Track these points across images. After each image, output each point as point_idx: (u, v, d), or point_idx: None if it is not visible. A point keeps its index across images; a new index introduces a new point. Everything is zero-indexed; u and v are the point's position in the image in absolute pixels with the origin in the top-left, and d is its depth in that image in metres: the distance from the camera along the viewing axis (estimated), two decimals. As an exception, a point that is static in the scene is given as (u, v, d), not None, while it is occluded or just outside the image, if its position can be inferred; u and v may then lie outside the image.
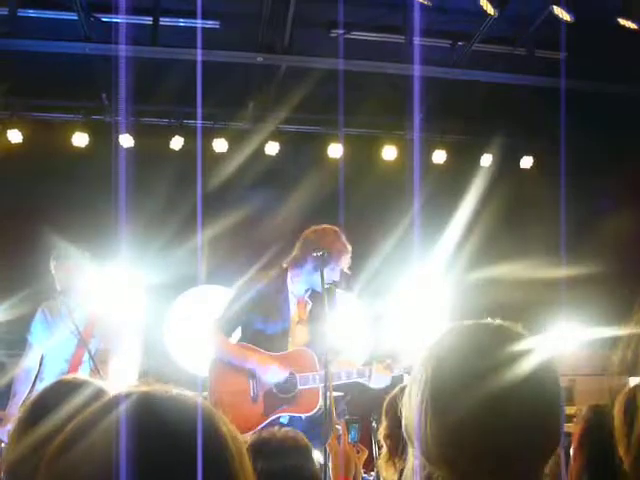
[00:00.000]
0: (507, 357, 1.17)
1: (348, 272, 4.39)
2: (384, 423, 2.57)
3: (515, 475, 1.15)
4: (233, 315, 4.32)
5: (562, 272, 6.86)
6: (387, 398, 2.64)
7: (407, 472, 1.27)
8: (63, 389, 1.74)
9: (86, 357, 4.62)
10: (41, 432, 1.57)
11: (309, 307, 4.26)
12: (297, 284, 4.35)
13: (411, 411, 1.21)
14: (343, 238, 4.35)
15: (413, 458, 1.23)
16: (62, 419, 1.56)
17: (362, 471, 2.92)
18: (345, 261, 4.31)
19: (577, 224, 7.50)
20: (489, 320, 1.28)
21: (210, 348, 4.38)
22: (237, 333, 4.43)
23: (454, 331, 1.26)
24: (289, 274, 4.35)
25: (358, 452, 2.85)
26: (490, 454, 1.14)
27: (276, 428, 2.40)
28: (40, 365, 4.64)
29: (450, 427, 1.15)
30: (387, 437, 2.49)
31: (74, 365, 4.58)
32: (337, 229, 4.40)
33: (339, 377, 4.13)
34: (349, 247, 4.36)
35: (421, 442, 1.18)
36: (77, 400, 1.65)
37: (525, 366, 1.16)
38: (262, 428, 3.91)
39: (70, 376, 1.86)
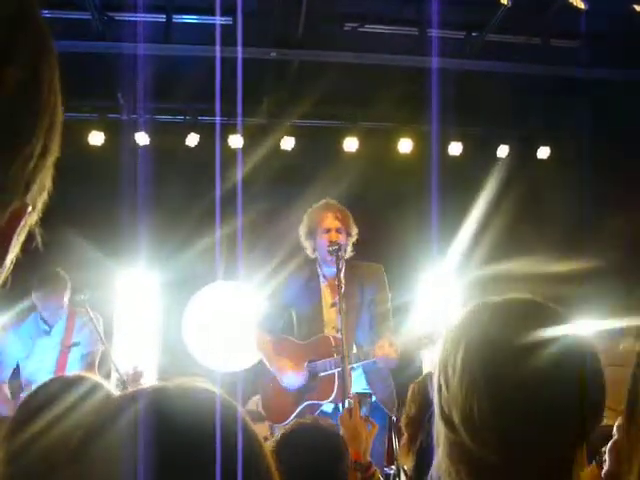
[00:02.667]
0: (543, 334, 1.15)
1: (355, 237, 4.42)
2: (408, 410, 2.51)
3: (555, 452, 1.14)
4: (270, 310, 4.57)
5: (579, 264, 6.82)
6: (412, 385, 2.58)
7: (440, 456, 1.24)
8: (56, 385, 1.75)
9: (70, 366, 4.69)
10: (35, 426, 1.57)
11: (342, 289, 4.21)
12: (324, 267, 4.44)
13: (448, 392, 1.19)
14: (317, 205, 4.44)
15: (446, 440, 1.21)
16: (57, 413, 1.57)
17: (371, 445, 2.89)
18: (326, 220, 4.33)
19: (595, 215, 7.44)
20: (519, 295, 1.26)
21: (253, 345, 4.64)
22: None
23: (484, 308, 1.24)
24: (317, 260, 4.50)
25: (369, 426, 2.86)
26: (532, 430, 1.13)
27: (312, 420, 2.42)
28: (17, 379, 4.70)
29: (493, 408, 1.14)
30: (408, 425, 2.43)
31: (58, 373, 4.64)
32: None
33: (337, 365, 4.13)
34: (324, 206, 4.42)
35: (464, 422, 1.16)
36: (72, 395, 1.66)
37: (563, 343, 1.15)
38: (295, 416, 4.19)
39: (64, 375, 1.87)
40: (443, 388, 1.20)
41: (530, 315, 1.21)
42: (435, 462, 1.23)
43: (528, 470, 1.15)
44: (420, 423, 2.37)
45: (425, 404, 2.36)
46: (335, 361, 4.12)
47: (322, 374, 4.21)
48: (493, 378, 1.14)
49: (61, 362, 4.71)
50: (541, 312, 1.22)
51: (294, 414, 4.22)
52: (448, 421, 1.19)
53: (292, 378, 4.26)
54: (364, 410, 2.97)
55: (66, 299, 4.69)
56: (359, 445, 2.71)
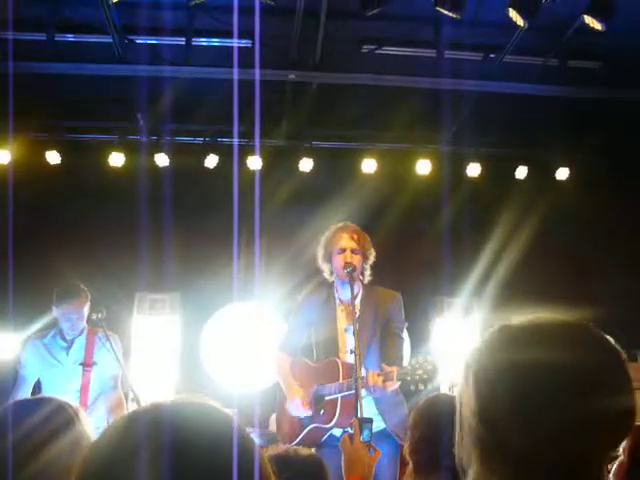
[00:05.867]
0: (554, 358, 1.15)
1: (372, 259, 4.36)
2: (410, 438, 2.41)
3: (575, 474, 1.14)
4: (289, 333, 4.54)
5: (602, 285, 6.76)
6: (413, 412, 2.47)
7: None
8: (22, 407, 1.75)
9: (93, 385, 4.73)
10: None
11: (357, 315, 4.16)
12: (340, 290, 4.40)
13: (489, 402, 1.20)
14: (334, 226, 4.41)
15: (483, 445, 1.21)
16: (22, 434, 1.58)
17: (375, 471, 2.84)
18: (341, 240, 4.29)
19: (615, 235, 7.39)
20: (538, 316, 1.26)
21: (270, 366, 4.66)
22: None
23: (499, 334, 1.25)
24: (334, 283, 4.44)
25: (372, 451, 2.81)
26: (538, 455, 1.13)
27: (293, 449, 2.41)
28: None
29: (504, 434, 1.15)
30: (413, 452, 2.34)
31: (83, 395, 4.68)
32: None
33: (340, 390, 4.10)
34: (340, 227, 4.37)
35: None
36: (36, 416, 1.66)
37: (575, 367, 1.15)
38: (301, 438, 4.20)
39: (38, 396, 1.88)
40: (485, 395, 1.20)
41: (562, 333, 1.22)
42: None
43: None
44: (421, 451, 2.28)
45: (423, 430, 2.29)
46: (340, 386, 4.09)
47: (327, 398, 4.18)
48: (526, 399, 1.16)
49: (85, 381, 4.75)
50: (574, 330, 1.23)
51: (300, 437, 4.21)
52: (489, 424, 1.19)
53: (296, 409, 4.23)
54: (366, 434, 2.90)
55: (86, 311, 4.74)
56: (360, 470, 2.67)
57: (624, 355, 1.22)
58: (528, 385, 1.16)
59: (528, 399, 1.15)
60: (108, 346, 4.59)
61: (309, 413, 4.20)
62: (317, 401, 4.23)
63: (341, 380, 4.10)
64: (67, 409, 1.75)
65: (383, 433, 4.08)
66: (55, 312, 4.73)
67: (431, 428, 2.20)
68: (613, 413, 1.14)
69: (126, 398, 4.87)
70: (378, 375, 3.87)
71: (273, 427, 6.08)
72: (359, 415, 3.45)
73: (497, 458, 1.18)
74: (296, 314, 4.52)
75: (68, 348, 4.80)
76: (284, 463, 2.26)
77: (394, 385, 3.93)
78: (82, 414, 1.78)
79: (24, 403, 1.84)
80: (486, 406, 1.19)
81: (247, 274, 6.98)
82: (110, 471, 0.92)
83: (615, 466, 2.11)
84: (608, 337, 1.23)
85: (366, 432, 2.88)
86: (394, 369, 3.88)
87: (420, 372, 3.76)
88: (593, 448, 1.15)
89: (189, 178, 7.28)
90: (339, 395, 4.08)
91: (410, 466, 2.33)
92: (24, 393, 4.69)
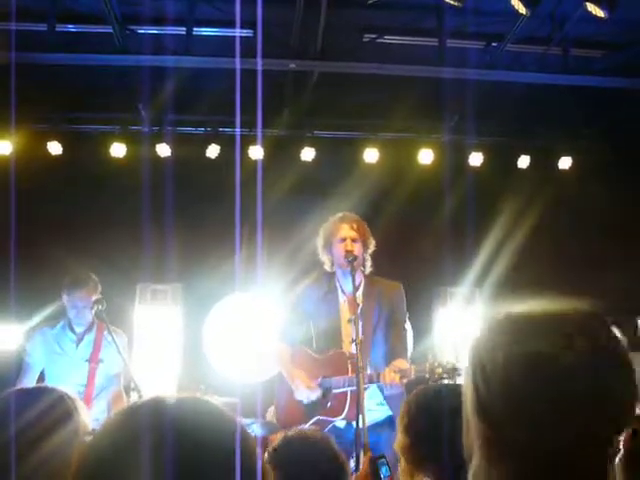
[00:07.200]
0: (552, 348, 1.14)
1: (372, 248, 4.36)
2: (402, 432, 2.30)
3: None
4: (288, 324, 4.49)
5: (606, 275, 6.75)
6: (402, 406, 2.38)
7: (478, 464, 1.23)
8: (23, 396, 1.76)
9: (98, 381, 4.74)
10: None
11: (360, 306, 4.17)
12: (343, 281, 4.39)
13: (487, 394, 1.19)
14: (333, 218, 4.40)
15: (486, 442, 1.20)
16: (23, 424, 1.59)
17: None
18: (341, 230, 4.30)
19: (619, 224, 7.38)
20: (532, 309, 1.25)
21: (270, 357, 4.63)
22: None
23: (500, 321, 1.24)
24: (336, 274, 4.43)
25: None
26: (542, 443, 1.13)
27: (309, 430, 2.40)
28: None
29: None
30: (405, 449, 2.22)
31: (89, 389, 4.69)
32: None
33: (350, 383, 4.08)
34: (339, 218, 4.37)
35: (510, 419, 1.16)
36: (37, 406, 1.67)
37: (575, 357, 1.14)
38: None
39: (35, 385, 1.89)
40: (482, 390, 1.20)
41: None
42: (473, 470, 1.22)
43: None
44: (416, 446, 2.20)
45: (417, 425, 2.21)
46: (349, 379, 4.07)
47: (335, 391, 4.16)
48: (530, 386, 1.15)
49: (91, 376, 4.76)
50: (572, 319, 1.22)
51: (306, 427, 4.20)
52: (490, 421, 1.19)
53: (305, 394, 4.22)
54: (385, 470, 2.82)
55: (94, 300, 4.74)
56: None
57: (625, 343, 1.20)
58: (520, 374, 1.15)
59: (520, 388, 1.15)
60: (114, 344, 4.59)
61: (319, 394, 4.19)
62: (323, 393, 4.21)
63: (350, 374, 4.08)
64: (66, 400, 1.76)
65: (388, 420, 4.09)
66: (64, 299, 4.76)
67: (429, 431, 2.11)
68: (612, 398, 1.13)
69: (128, 389, 4.87)
70: (395, 372, 3.90)
71: (270, 418, 6.08)
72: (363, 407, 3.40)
73: (495, 451, 1.18)
74: (295, 306, 4.48)
75: (78, 341, 4.82)
76: (299, 444, 2.25)
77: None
78: (80, 405, 1.78)
79: (27, 392, 1.85)
80: (482, 400, 1.19)
81: (249, 264, 6.98)
82: (109, 460, 0.92)
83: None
84: (610, 325, 1.21)
85: (384, 468, 2.74)
86: (406, 365, 3.94)
87: (439, 371, 3.79)
88: (593, 434, 1.13)
89: (191, 168, 7.28)
90: (349, 389, 4.07)
91: (403, 463, 2.24)
92: (29, 381, 4.69)
